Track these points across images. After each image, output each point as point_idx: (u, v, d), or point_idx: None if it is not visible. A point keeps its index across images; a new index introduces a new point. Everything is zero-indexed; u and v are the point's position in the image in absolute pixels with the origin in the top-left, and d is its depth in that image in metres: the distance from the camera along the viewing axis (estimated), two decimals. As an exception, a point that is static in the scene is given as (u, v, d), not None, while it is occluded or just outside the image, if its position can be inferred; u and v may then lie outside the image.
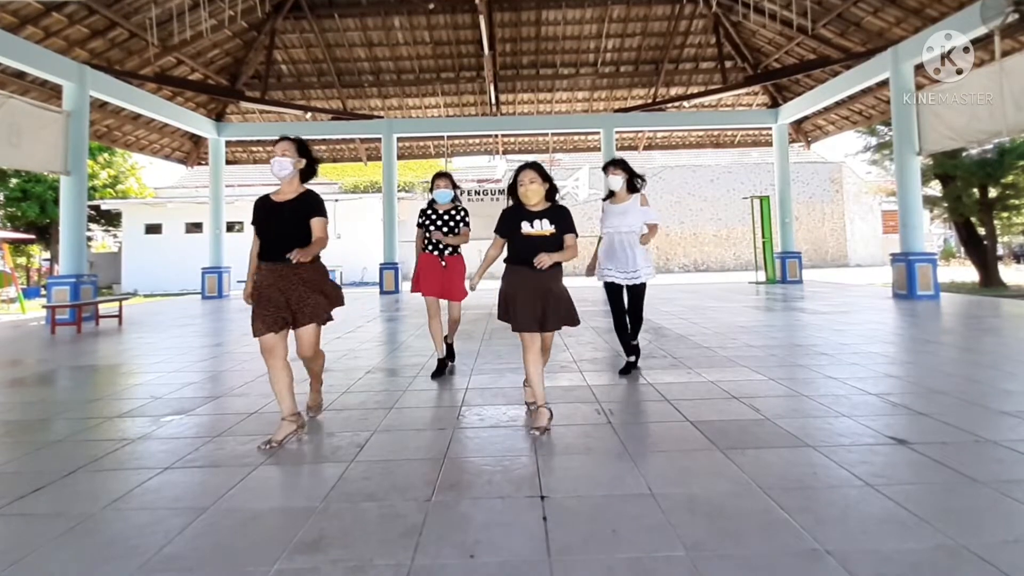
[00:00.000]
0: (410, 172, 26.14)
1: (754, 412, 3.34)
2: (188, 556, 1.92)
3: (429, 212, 4.55)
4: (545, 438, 3.01)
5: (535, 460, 2.68)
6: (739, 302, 9.99)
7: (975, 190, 14.10)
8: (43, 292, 13.97)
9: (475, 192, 14.47)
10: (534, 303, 3.10)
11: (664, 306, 9.56)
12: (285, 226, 3.06)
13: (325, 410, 3.63)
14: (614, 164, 4.45)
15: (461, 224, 4.54)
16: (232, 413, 3.64)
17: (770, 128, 14.75)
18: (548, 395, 3.88)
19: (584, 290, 10.73)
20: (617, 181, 4.39)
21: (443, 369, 4.58)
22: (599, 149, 14.75)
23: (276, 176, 3.12)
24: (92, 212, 22.37)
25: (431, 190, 4.55)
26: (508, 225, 3.23)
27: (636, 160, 26.11)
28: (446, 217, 4.52)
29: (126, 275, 21.47)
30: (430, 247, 4.52)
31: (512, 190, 3.26)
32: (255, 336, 3.02)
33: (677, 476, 2.47)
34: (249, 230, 21.05)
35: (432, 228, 4.48)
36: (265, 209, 3.13)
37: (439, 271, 4.49)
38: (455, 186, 4.60)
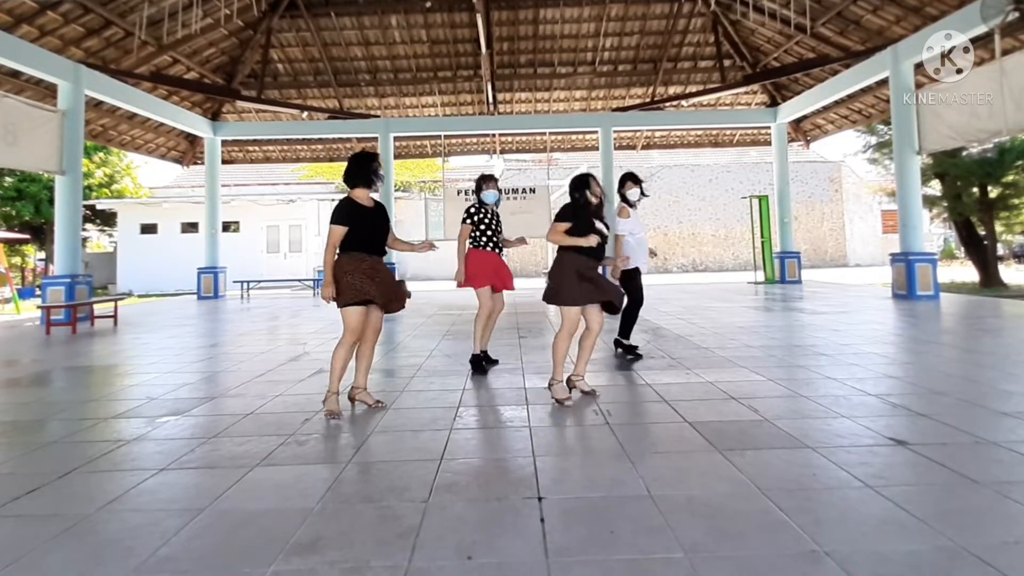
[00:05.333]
0: (407, 172, 26.10)
1: (753, 413, 3.33)
2: (184, 558, 1.91)
3: (483, 213, 4.79)
4: (544, 438, 3.00)
5: (533, 461, 2.67)
6: (738, 302, 9.99)
7: (975, 190, 14.10)
8: (38, 292, 13.91)
9: (473, 191, 14.45)
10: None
11: (662, 306, 9.55)
12: (377, 228, 3.68)
13: (323, 411, 3.62)
14: (636, 178, 5.21)
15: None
16: (228, 414, 3.63)
17: (769, 127, 14.75)
18: (547, 395, 3.88)
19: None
20: (637, 193, 5.17)
21: (481, 364, 4.77)
22: (597, 148, 14.74)
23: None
24: (87, 212, 22.30)
25: (478, 191, 4.85)
26: (589, 222, 3.75)
27: (635, 160, 25.78)
28: (498, 217, 4.89)
29: (121, 275, 21.40)
30: (490, 246, 4.75)
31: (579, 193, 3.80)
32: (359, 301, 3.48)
33: (675, 477, 2.46)
34: (247, 229, 21.00)
35: (495, 230, 4.80)
36: (360, 212, 3.62)
37: (497, 265, 4.80)
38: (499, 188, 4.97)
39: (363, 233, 3.57)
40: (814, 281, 14.82)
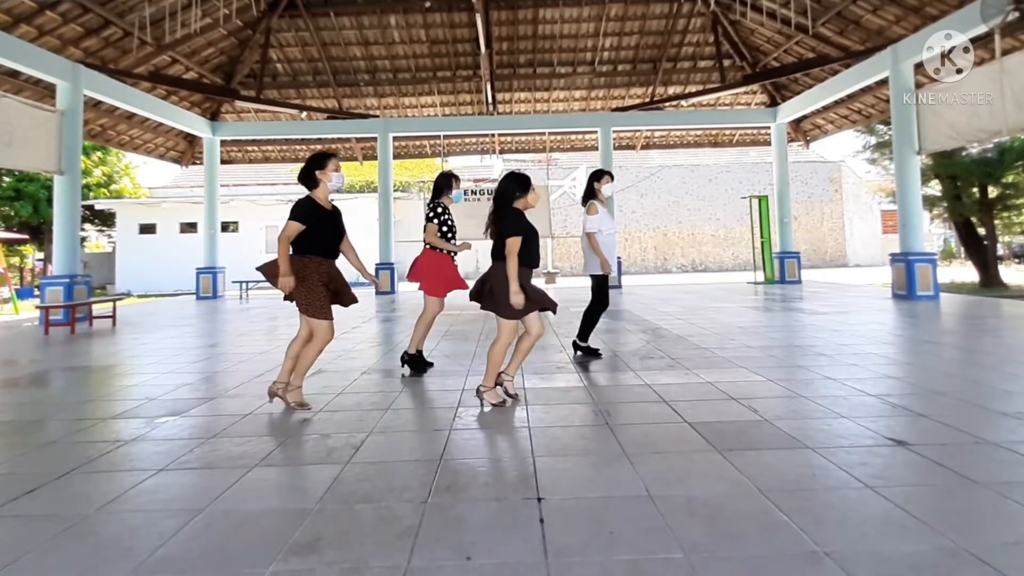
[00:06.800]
0: (406, 172, 26.10)
1: (752, 413, 3.33)
2: (182, 558, 1.90)
3: (448, 214, 4.66)
4: (542, 438, 3.00)
5: (532, 462, 2.66)
6: (737, 302, 9.99)
7: (975, 190, 14.10)
8: (36, 292, 13.91)
9: (472, 192, 14.44)
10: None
11: (662, 307, 9.56)
12: (338, 229, 3.69)
13: (321, 411, 3.62)
14: (610, 174, 5.25)
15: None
16: (227, 414, 3.62)
17: (769, 127, 14.75)
18: (546, 395, 3.88)
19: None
20: (611, 188, 5.21)
21: (420, 364, 4.69)
22: (596, 148, 14.74)
23: (338, 188, 3.70)
24: (86, 212, 22.28)
25: (446, 190, 4.66)
26: (528, 227, 3.60)
27: (634, 159, 25.76)
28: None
29: (120, 275, 21.41)
30: (446, 249, 4.65)
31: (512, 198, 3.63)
32: (326, 319, 3.55)
33: (675, 478, 2.45)
34: (246, 229, 20.98)
35: (455, 232, 4.68)
36: (321, 213, 3.61)
37: (454, 270, 4.70)
38: None
39: (322, 234, 3.58)
40: (814, 281, 14.83)
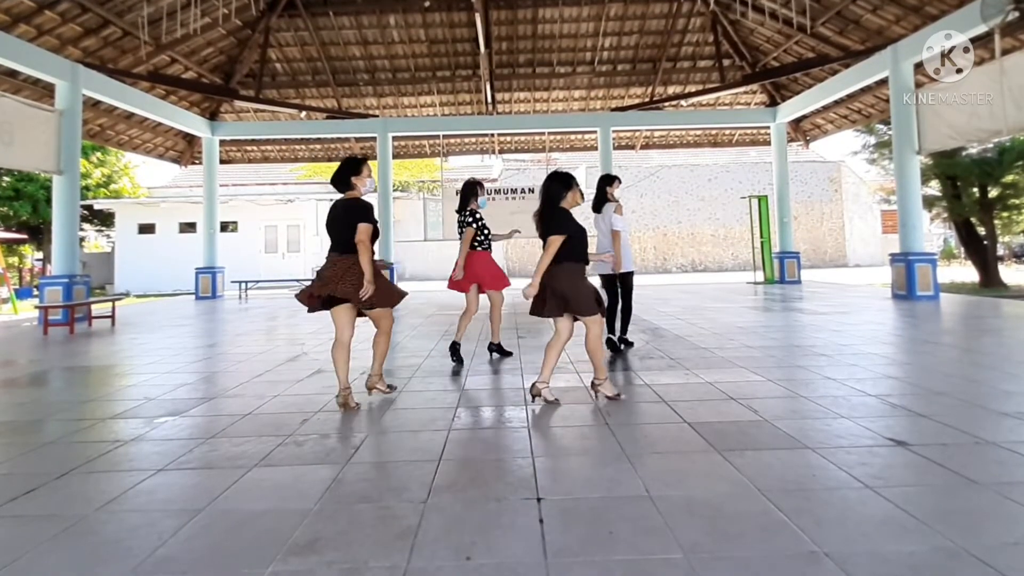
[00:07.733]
0: (405, 171, 26.08)
1: (752, 413, 3.33)
2: (182, 558, 1.90)
3: (480, 216, 5.10)
4: (543, 438, 2.99)
5: (532, 461, 2.66)
6: (737, 302, 9.99)
7: (975, 190, 14.10)
8: (35, 292, 13.89)
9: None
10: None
11: (661, 307, 9.56)
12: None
13: (321, 411, 3.62)
14: (619, 179, 5.50)
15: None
16: (226, 415, 3.62)
17: (768, 127, 14.75)
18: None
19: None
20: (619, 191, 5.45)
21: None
22: (596, 148, 14.73)
23: (371, 192, 3.83)
24: (85, 212, 22.26)
25: (473, 197, 5.09)
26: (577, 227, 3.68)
27: (634, 159, 25.71)
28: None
29: (119, 275, 21.37)
30: (486, 245, 5.08)
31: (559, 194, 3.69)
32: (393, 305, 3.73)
33: (675, 478, 2.45)
34: (245, 229, 21.02)
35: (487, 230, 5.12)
36: None
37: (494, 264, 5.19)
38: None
39: (374, 236, 3.69)
40: (813, 281, 14.82)
